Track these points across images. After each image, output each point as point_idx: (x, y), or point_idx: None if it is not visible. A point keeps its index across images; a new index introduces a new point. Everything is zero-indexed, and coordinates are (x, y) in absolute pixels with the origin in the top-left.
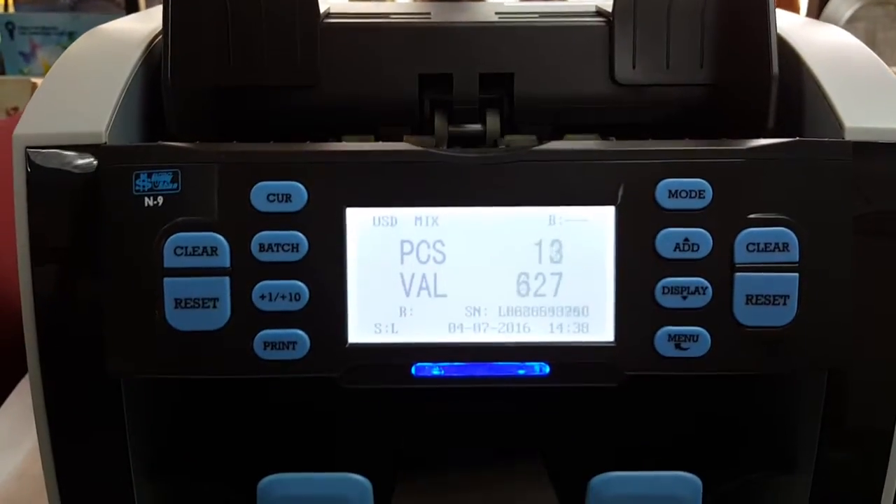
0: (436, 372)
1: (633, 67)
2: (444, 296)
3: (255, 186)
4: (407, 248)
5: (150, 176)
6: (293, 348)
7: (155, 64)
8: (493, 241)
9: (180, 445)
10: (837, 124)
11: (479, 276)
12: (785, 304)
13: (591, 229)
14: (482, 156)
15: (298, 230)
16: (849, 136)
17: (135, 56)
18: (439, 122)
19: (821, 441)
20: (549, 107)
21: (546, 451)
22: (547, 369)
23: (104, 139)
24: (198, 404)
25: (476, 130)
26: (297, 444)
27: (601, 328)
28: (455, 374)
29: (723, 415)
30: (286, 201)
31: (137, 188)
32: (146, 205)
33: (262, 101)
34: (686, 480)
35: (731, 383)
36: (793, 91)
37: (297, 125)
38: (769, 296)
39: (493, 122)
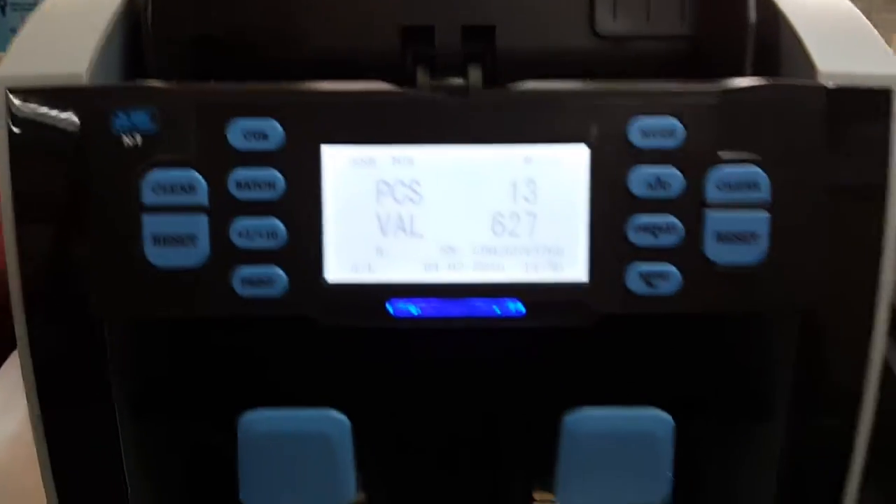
0: (412, 310)
1: (614, 19)
2: (421, 235)
3: (231, 124)
4: (383, 187)
5: (128, 115)
6: (271, 286)
7: (137, 9)
8: (469, 180)
9: (164, 385)
10: (811, 69)
11: (454, 215)
12: (755, 242)
13: (565, 168)
14: (458, 95)
15: (275, 168)
16: (822, 80)
17: (117, 1)
18: (422, 76)
19: (794, 387)
20: (531, 59)
21: (521, 393)
22: (521, 308)
23: (84, 80)
24: (181, 343)
25: (458, 84)
26: (280, 384)
27: (574, 267)
28: (431, 314)
29: (699, 359)
30: (262, 139)
31: (116, 127)
32: (125, 144)
33: (242, 53)
34: (659, 418)
35: (706, 326)
36: (770, 41)
37: (278, 78)
38: (739, 234)
39: (475, 75)
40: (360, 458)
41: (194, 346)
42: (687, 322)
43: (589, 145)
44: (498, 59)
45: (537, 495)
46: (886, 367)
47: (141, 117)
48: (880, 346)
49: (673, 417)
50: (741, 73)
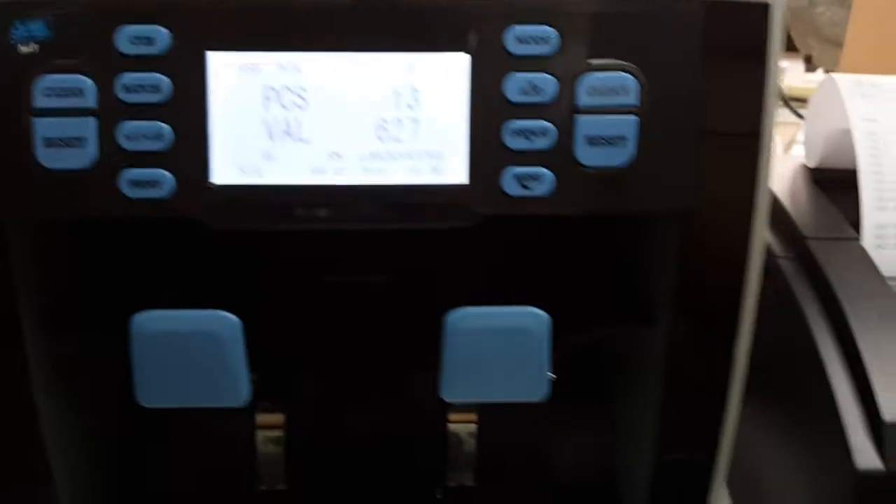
0: (299, 213)
1: None
2: (307, 141)
3: (119, 30)
4: (270, 93)
5: (25, 24)
6: (158, 188)
7: None
8: (354, 87)
9: (65, 293)
10: None
11: (340, 121)
12: (623, 145)
13: (446, 76)
14: (342, 3)
15: (161, 72)
16: None
17: None
18: None
19: (676, 289)
20: None
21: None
22: (404, 210)
23: None
24: (80, 250)
25: None
26: (175, 287)
27: (455, 171)
28: (317, 217)
29: (582, 261)
30: (149, 44)
31: (14, 37)
32: (22, 52)
33: None
34: (534, 315)
35: (587, 228)
36: None
37: None
38: (608, 137)
39: None
40: (255, 361)
41: (93, 252)
42: (568, 224)
43: (468, 53)
44: None
45: (454, 416)
46: (767, 268)
47: (37, 26)
48: (760, 245)
49: (556, 319)
50: None
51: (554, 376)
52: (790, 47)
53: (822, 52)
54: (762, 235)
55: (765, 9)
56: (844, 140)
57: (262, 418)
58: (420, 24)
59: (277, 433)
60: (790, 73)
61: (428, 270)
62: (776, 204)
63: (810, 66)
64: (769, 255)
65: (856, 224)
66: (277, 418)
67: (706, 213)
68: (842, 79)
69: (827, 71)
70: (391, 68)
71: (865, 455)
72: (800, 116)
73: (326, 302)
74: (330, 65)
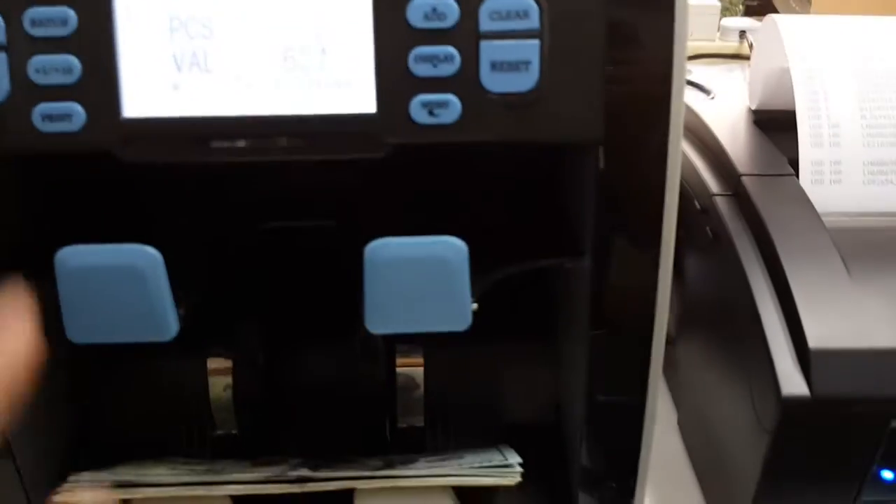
0: (208, 145)
1: None
2: (214, 72)
3: None
4: (176, 24)
5: None
6: (69, 121)
7: None
8: (259, 16)
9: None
10: None
11: (247, 51)
12: (527, 70)
13: (351, 3)
14: None
15: (66, 5)
16: None
17: None
18: None
19: (596, 221)
20: None
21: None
22: (315, 140)
23: None
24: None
25: None
26: (98, 222)
27: (364, 100)
28: (225, 147)
29: (502, 192)
30: None
31: None
32: None
33: None
34: (451, 244)
35: (502, 157)
36: None
37: None
38: (511, 62)
39: None
40: (180, 293)
41: (14, 189)
42: (486, 154)
43: None
44: None
45: (400, 358)
46: (704, 207)
47: None
48: (675, 173)
49: (480, 250)
50: None
51: (476, 305)
52: (770, 9)
53: (803, 12)
54: (677, 160)
55: None
56: (785, 79)
57: (213, 364)
58: None
59: (228, 379)
60: None
61: (349, 206)
62: (715, 143)
63: None
64: (706, 193)
65: (794, 163)
66: (227, 365)
67: (618, 139)
68: (781, 19)
69: None
70: None
71: (792, 381)
72: None
73: (254, 243)
74: None
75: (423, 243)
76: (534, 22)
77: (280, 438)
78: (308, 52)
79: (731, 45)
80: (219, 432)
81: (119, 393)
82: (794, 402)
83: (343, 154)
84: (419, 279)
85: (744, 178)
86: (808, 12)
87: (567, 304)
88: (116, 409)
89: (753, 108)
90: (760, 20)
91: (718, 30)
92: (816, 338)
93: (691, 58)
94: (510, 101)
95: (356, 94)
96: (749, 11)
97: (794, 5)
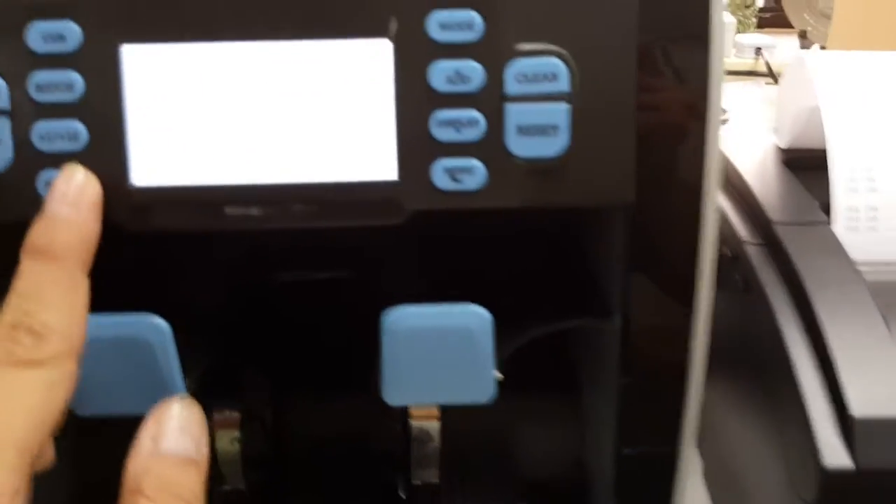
0: (222, 214)
1: None
2: (227, 137)
3: (29, 27)
4: (187, 88)
5: None
6: None
7: None
8: (275, 78)
9: None
10: None
11: (261, 115)
12: (555, 134)
13: (369, 64)
14: None
15: (74, 69)
16: None
17: None
18: None
19: (626, 281)
20: None
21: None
22: (333, 208)
23: None
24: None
25: None
26: (103, 290)
27: (384, 165)
28: (239, 214)
29: (527, 256)
30: (61, 41)
31: None
32: None
33: None
34: (475, 313)
35: (533, 222)
36: None
37: None
38: (539, 126)
39: None
40: (189, 363)
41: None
42: (508, 217)
43: (391, 40)
44: None
45: (415, 410)
46: (735, 255)
47: None
48: (711, 232)
49: (504, 315)
50: None
51: (501, 376)
52: (784, 23)
53: (816, 28)
54: (714, 220)
55: None
56: (815, 119)
57: (220, 416)
58: (340, 9)
59: (236, 432)
60: (783, 50)
61: (366, 267)
62: (744, 187)
63: (805, 41)
64: (736, 241)
65: (827, 207)
66: (234, 417)
67: (650, 201)
68: (811, 56)
69: (822, 47)
70: (313, 57)
71: (834, 452)
72: None
73: (268, 301)
74: (249, 55)
75: (445, 313)
76: (563, 85)
77: (289, 495)
78: (326, 115)
79: (747, 62)
80: (226, 487)
81: (122, 447)
82: (838, 475)
83: (362, 221)
84: (441, 350)
85: (776, 226)
86: (825, 27)
87: (592, 358)
88: (117, 466)
89: (782, 146)
90: (776, 35)
91: (734, 46)
92: (860, 404)
93: None
94: (537, 167)
95: (376, 160)
96: (762, 23)
97: (808, 18)
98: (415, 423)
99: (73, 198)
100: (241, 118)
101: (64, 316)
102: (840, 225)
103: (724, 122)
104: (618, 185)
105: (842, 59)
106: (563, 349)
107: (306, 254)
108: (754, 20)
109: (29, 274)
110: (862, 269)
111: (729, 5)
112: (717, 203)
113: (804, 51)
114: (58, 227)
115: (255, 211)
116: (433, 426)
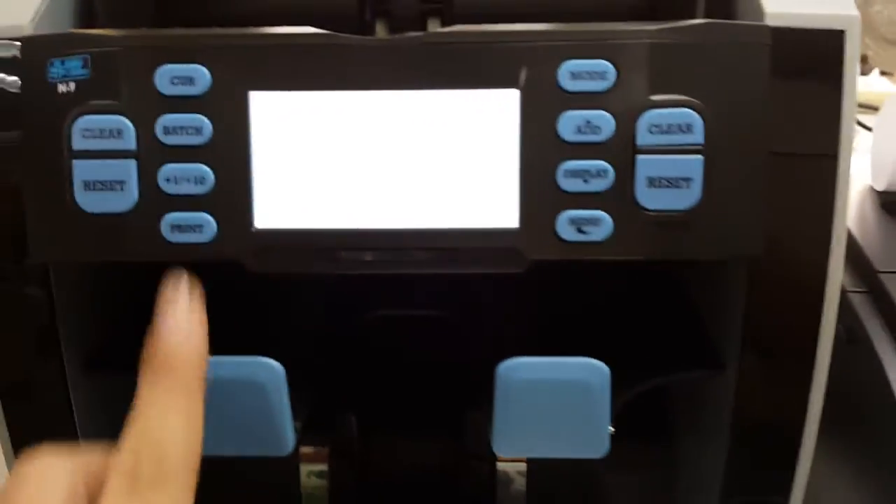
0: (343, 258)
1: None
2: (351, 183)
3: (158, 69)
4: (313, 134)
5: (62, 63)
6: (200, 231)
7: None
8: (400, 126)
9: (110, 337)
10: (761, 12)
11: (385, 162)
12: (688, 187)
13: (495, 113)
14: (385, 38)
15: (201, 113)
16: (768, 21)
17: None
18: (380, 29)
19: (745, 336)
20: (488, 11)
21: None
22: (453, 255)
23: (28, 31)
24: (124, 293)
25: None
26: (217, 331)
27: (505, 213)
28: (361, 259)
29: (643, 307)
30: (189, 84)
31: (52, 75)
32: (59, 91)
33: (194, 5)
34: (593, 367)
35: (648, 274)
36: None
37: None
38: (671, 178)
39: (433, 26)
40: (302, 399)
41: (135, 295)
42: (629, 268)
43: (519, 89)
44: (455, 11)
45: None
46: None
47: (74, 64)
48: (834, 295)
49: (618, 368)
50: (692, 17)
51: (613, 430)
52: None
53: (878, 53)
54: (839, 274)
55: (839, 36)
56: None
57: (306, 451)
58: (467, 59)
59: (322, 467)
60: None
61: (480, 313)
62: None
63: (866, 66)
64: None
65: None
66: (322, 452)
67: (776, 253)
68: None
69: (883, 73)
70: (438, 106)
71: None
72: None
73: (374, 338)
74: (374, 104)
75: (563, 365)
76: (698, 136)
77: None
78: (449, 162)
79: None
80: None
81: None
82: None
83: (481, 269)
84: (556, 403)
85: (881, 276)
86: (886, 52)
87: (696, 410)
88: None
89: (879, 189)
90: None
91: None
92: None
93: None
94: (667, 219)
95: (498, 208)
96: None
97: (869, 43)
98: (502, 465)
99: (183, 308)
100: (365, 164)
101: (184, 436)
102: None
103: None
104: (746, 237)
105: None
106: (656, 396)
107: (401, 285)
108: None
109: (148, 395)
110: None
111: None
112: (842, 255)
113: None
114: (173, 343)
115: (371, 255)
116: (520, 467)
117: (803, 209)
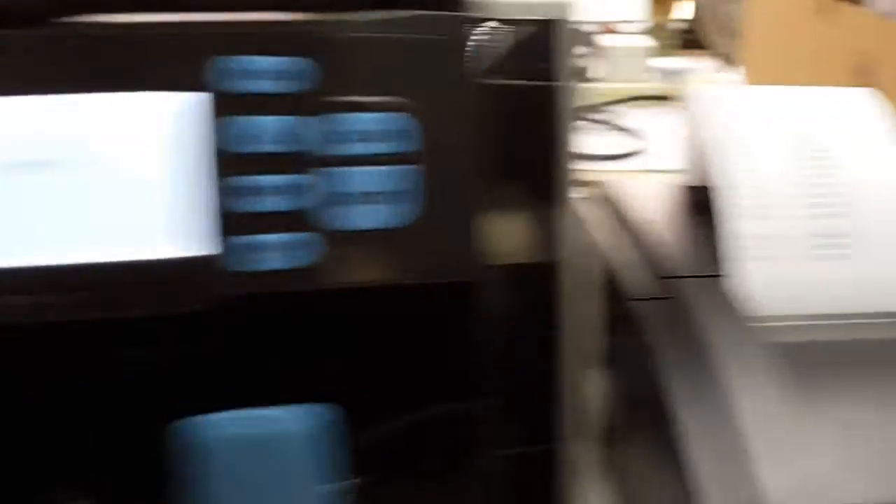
0: None
1: None
2: None
3: None
4: None
5: None
6: None
7: None
8: (37, 137)
9: None
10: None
11: (23, 184)
12: (399, 200)
13: (166, 121)
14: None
15: None
16: (475, 12)
17: None
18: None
19: (484, 361)
20: None
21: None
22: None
23: None
24: None
25: None
26: None
27: (187, 241)
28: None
29: (375, 338)
30: None
31: None
32: None
33: None
34: (299, 415)
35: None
36: None
37: None
38: (380, 192)
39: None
40: None
41: None
42: (345, 296)
43: (200, 91)
44: None
45: None
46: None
47: None
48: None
49: (355, 410)
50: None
51: (357, 480)
52: (701, 46)
53: (734, 50)
54: (568, 292)
55: (547, 26)
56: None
57: None
58: (134, 57)
59: None
60: (700, 74)
61: (157, 370)
62: (642, 235)
63: (728, 64)
64: (625, 299)
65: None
66: None
67: (502, 273)
68: (702, 90)
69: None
70: (84, 111)
71: None
72: None
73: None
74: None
75: (261, 417)
76: (408, 143)
77: None
78: (108, 183)
79: (664, 86)
80: None
81: None
82: None
83: (158, 310)
84: (259, 463)
85: (669, 280)
86: (732, 49)
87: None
88: None
89: (692, 185)
90: (693, 59)
91: (647, 71)
92: (777, 492)
93: (622, 101)
94: (378, 238)
95: (176, 234)
96: (686, 45)
97: (721, 40)
98: None
99: None
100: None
101: None
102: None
103: (637, 153)
104: (468, 255)
105: (732, 91)
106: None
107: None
108: (679, 42)
109: None
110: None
111: (648, 29)
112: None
113: (697, 86)
114: None
115: (20, 301)
116: None
117: (527, 222)
